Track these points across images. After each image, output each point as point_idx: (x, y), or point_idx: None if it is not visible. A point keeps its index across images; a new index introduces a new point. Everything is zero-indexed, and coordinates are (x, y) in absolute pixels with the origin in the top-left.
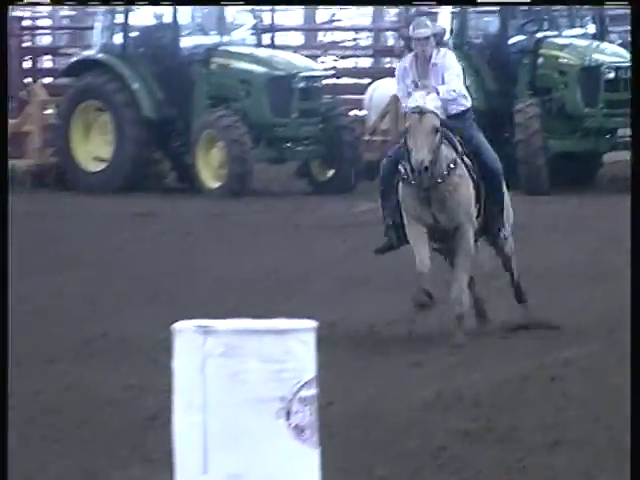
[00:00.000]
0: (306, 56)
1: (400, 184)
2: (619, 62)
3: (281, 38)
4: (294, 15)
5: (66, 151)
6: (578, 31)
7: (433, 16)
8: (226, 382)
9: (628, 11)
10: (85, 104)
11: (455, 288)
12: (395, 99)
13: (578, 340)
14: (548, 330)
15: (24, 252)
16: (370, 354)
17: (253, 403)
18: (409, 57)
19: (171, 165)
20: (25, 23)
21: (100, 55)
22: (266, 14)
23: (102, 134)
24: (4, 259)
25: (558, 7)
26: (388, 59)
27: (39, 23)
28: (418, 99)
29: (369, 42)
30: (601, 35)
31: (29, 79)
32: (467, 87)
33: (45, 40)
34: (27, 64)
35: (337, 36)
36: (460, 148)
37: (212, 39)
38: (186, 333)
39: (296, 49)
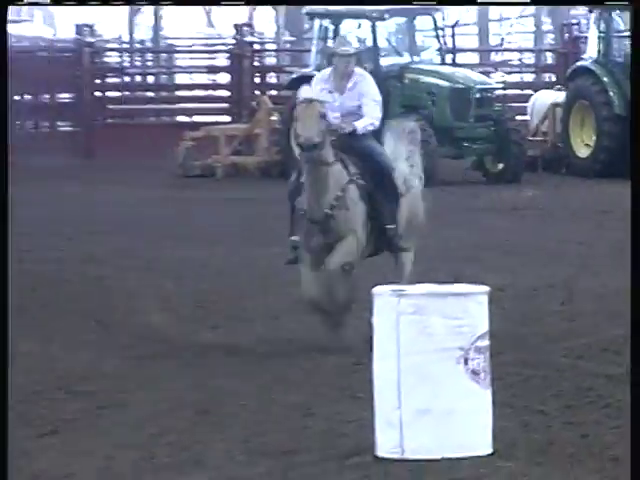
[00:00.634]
0: (480, 72)
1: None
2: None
3: (460, 58)
4: (471, 39)
5: (287, 149)
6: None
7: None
8: (415, 335)
9: None
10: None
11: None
12: (553, 106)
13: None
14: None
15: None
16: (532, 312)
17: (437, 352)
18: (328, 70)
19: None
20: (255, 47)
21: (314, 72)
22: (448, 39)
23: None
24: (4, 257)
25: None
26: (547, 75)
27: (267, 47)
28: (306, 91)
29: (531, 61)
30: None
31: (258, 92)
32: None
33: (270, 60)
34: (257, 80)
35: (506, 56)
36: (354, 169)
37: (405, 59)
38: (383, 295)
39: (472, 67)
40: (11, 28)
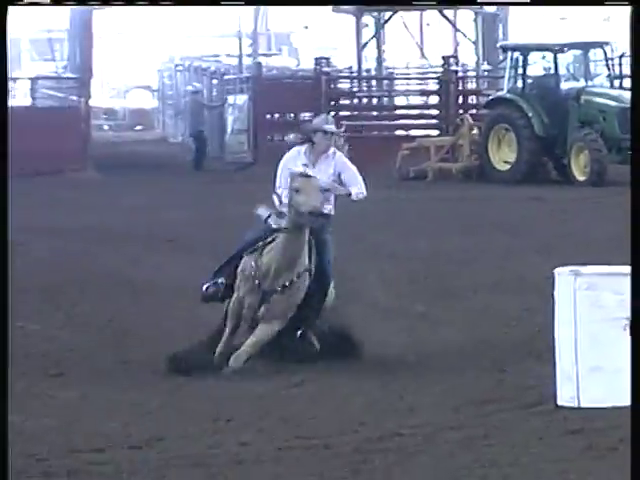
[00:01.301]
0: None
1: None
2: None
3: (626, 82)
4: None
5: (486, 157)
6: None
7: None
8: (588, 307)
9: None
10: (497, 126)
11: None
12: None
13: None
14: None
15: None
16: None
17: (607, 321)
18: (305, 146)
19: (554, 165)
20: (459, 74)
21: (508, 95)
22: (616, 67)
23: (509, 146)
24: (4, 256)
25: None
26: None
27: (468, 74)
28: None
29: None
30: None
31: (461, 111)
32: None
33: (471, 85)
34: (460, 101)
35: None
36: (313, 256)
37: (581, 83)
38: (563, 275)
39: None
40: (263, 60)
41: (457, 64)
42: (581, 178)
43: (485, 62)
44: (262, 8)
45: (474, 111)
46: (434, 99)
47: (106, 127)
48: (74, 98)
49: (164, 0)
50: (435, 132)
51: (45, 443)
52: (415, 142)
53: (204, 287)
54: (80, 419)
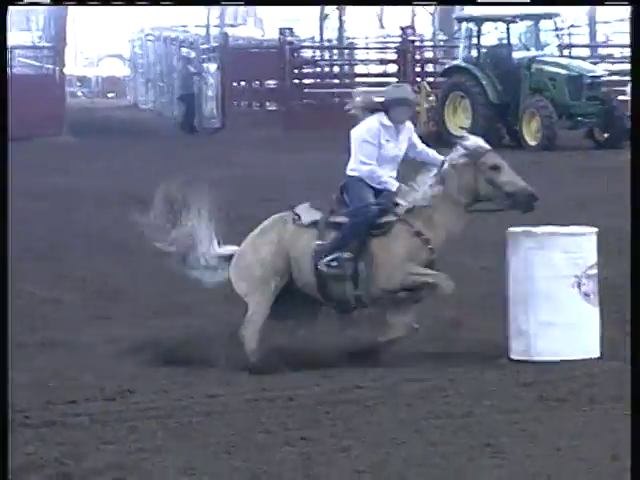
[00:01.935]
0: (591, 63)
1: None
2: None
3: (575, 52)
4: (583, 37)
5: (442, 123)
6: None
7: None
8: (540, 265)
9: None
10: (453, 94)
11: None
12: None
13: None
14: None
15: None
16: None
17: (558, 278)
18: (382, 116)
19: (507, 131)
20: (416, 44)
21: (463, 63)
22: (565, 37)
23: (464, 112)
24: (4, 256)
25: None
26: None
27: (425, 43)
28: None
29: (629, 54)
30: None
31: (419, 79)
32: None
33: (428, 54)
34: (417, 69)
35: (610, 50)
36: None
37: (532, 53)
38: (516, 235)
39: (584, 59)
40: (230, 30)
41: (414, 34)
42: (533, 143)
43: (441, 32)
44: None
45: (431, 79)
46: (393, 67)
47: (80, 94)
48: (49, 66)
49: (164, 0)
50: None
51: (24, 397)
52: None
53: (326, 262)
54: (58, 373)
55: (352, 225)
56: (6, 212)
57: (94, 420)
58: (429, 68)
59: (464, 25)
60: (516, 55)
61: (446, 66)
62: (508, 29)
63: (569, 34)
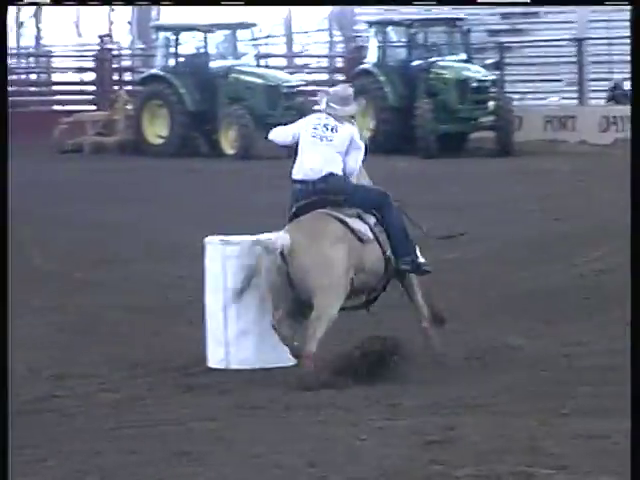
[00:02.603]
0: (287, 72)
1: None
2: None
3: (272, 61)
4: (280, 47)
5: (140, 131)
6: None
7: None
8: (237, 274)
9: None
10: (151, 102)
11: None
12: None
13: None
14: None
15: (112, 192)
16: None
17: (254, 287)
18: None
19: (205, 140)
20: (114, 52)
21: (160, 72)
22: (263, 47)
23: (162, 121)
24: (4, 257)
25: None
26: (338, 74)
27: (123, 52)
28: None
29: (326, 64)
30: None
31: (116, 87)
32: None
33: (126, 63)
34: (115, 77)
35: (306, 60)
36: None
37: (230, 62)
38: (213, 244)
39: (281, 68)
40: None
41: (112, 42)
42: (230, 152)
43: (139, 41)
44: None
45: (129, 87)
46: (90, 76)
47: None
48: None
49: (164, 0)
50: (92, 107)
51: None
52: (72, 117)
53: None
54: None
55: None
56: (6, 212)
57: None
58: (127, 77)
59: (161, 34)
60: (213, 64)
61: (144, 74)
62: (205, 38)
63: (266, 44)
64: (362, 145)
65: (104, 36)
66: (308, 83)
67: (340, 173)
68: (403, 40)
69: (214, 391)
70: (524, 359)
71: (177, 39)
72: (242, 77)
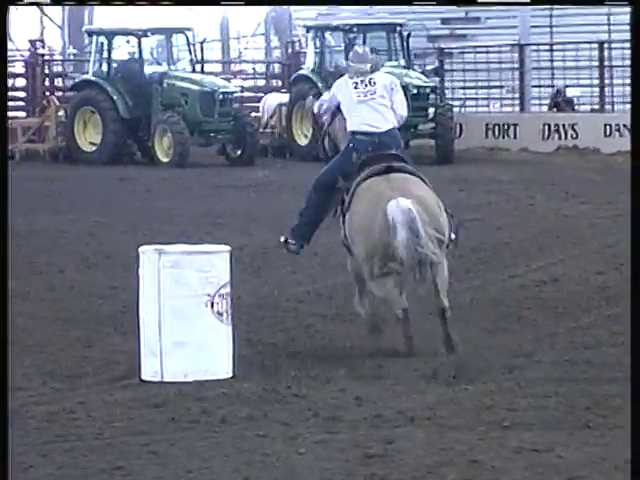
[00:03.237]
0: (223, 78)
1: None
2: None
3: (207, 67)
4: (216, 52)
5: (72, 138)
6: None
7: None
8: (172, 284)
9: None
10: (83, 108)
11: None
12: (279, 106)
13: None
14: None
15: (43, 201)
16: (265, 266)
17: (190, 297)
18: None
19: (138, 147)
20: (46, 57)
21: (93, 78)
22: (198, 52)
23: (94, 128)
24: (4, 258)
25: None
26: (275, 80)
27: (54, 57)
28: None
29: (262, 70)
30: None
31: (48, 93)
32: None
33: (57, 68)
34: (47, 83)
35: (243, 66)
36: None
37: (164, 68)
38: (148, 253)
39: (217, 74)
40: None
41: (43, 47)
42: (165, 159)
43: (71, 46)
44: None
45: (60, 93)
46: (21, 81)
47: None
48: None
49: (164, 0)
50: (22, 114)
51: None
52: None
53: None
54: None
55: None
56: (6, 213)
57: None
58: (59, 82)
59: (94, 38)
60: (148, 70)
61: (76, 80)
62: (139, 43)
63: (202, 49)
64: (401, 89)
65: (35, 40)
66: (244, 89)
67: (397, 125)
68: (341, 46)
69: (148, 404)
70: (466, 370)
71: (110, 44)
72: (177, 83)
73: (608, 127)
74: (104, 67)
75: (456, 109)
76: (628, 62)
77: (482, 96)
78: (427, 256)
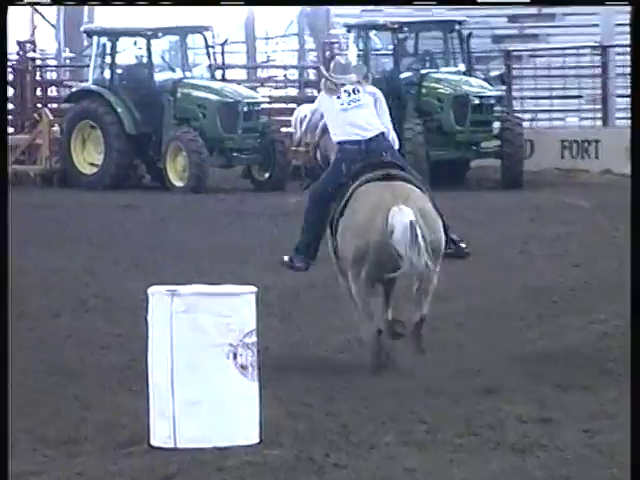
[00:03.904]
0: (248, 87)
1: None
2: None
3: (229, 74)
4: (239, 56)
5: (68, 158)
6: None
7: None
8: (187, 331)
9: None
10: (82, 123)
11: None
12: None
13: None
14: None
15: (34, 232)
16: (296, 310)
17: (208, 347)
18: None
19: (147, 168)
20: (38, 62)
21: (93, 87)
22: (218, 56)
23: (95, 146)
24: (4, 258)
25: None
26: (309, 89)
27: (48, 62)
28: None
29: (295, 77)
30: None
31: (39, 105)
32: None
33: (51, 75)
34: (38, 93)
35: (271, 72)
36: None
37: (178, 74)
38: (158, 295)
39: (240, 82)
40: None
41: (35, 50)
42: (179, 184)
43: (67, 48)
44: None
45: (55, 105)
46: (8, 91)
47: None
48: None
49: (164, 0)
50: (9, 129)
51: None
52: None
53: None
54: None
55: None
56: (6, 216)
57: None
58: (53, 92)
59: (95, 40)
60: (158, 77)
61: (73, 89)
62: (149, 46)
63: (222, 52)
64: (386, 109)
65: (25, 42)
66: (273, 100)
67: (386, 131)
68: (389, 47)
69: (158, 475)
70: (537, 435)
71: (114, 46)
72: (193, 92)
73: None
74: (106, 74)
75: (526, 123)
76: None
77: (557, 108)
78: (424, 267)
